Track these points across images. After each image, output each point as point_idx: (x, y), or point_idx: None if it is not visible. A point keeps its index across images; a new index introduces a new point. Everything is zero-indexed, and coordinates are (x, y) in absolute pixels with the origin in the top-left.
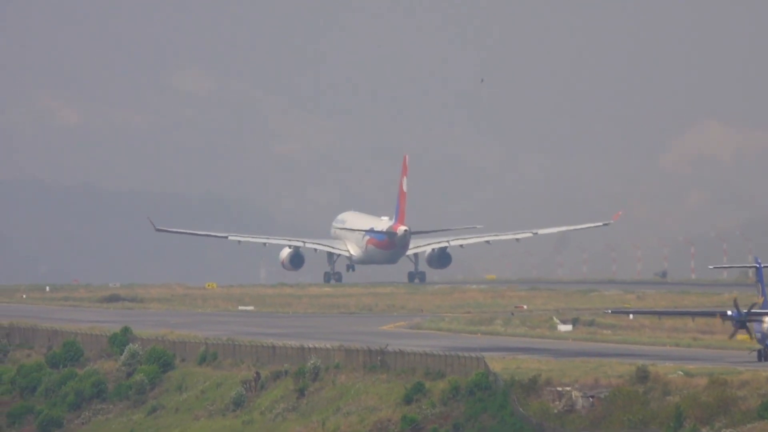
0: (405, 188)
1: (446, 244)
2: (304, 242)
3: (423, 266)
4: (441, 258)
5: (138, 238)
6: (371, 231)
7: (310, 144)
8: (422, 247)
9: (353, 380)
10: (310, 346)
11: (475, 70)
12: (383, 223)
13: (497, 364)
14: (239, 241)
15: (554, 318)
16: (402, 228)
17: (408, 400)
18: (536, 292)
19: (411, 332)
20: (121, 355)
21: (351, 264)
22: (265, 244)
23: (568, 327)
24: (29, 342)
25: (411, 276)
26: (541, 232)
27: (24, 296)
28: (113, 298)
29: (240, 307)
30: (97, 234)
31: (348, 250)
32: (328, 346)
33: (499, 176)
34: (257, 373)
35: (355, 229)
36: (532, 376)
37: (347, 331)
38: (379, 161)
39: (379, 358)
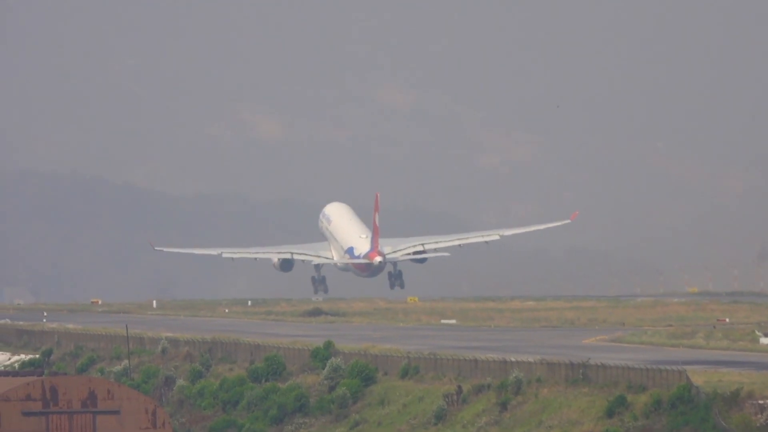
0: (377, 223)
1: (421, 248)
2: (292, 254)
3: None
4: (416, 254)
5: None
6: (351, 251)
7: (510, 157)
8: (400, 251)
9: (555, 394)
10: (513, 359)
11: (675, 82)
12: (362, 243)
13: (699, 378)
14: (233, 258)
15: (756, 331)
16: (377, 259)
17: (610, 413)
18: (738, 305)
19: (613, 345)
20: (324, 369)
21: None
22: (256, 258)
23: None
24: (231, 356)
25: (390, 277)
26: (506, 233)
27: (226, 311)
28: (315, 312)
29: (442, 321)
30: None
31: (332, 257)
32: (531, 359)
33: (702, 191)
34: (459, 387)
35: (338, 261)
36: (734, 389)
37: (549, 344)
38: (578, 174)
39: (581, 371)
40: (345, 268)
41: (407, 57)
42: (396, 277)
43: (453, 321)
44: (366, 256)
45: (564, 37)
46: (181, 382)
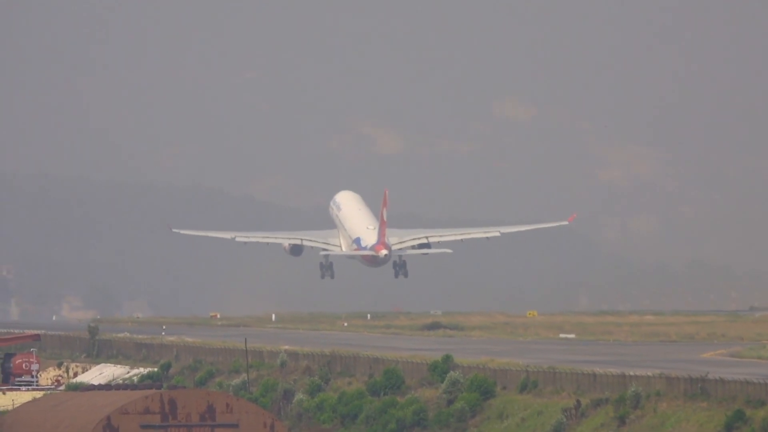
0: (385, 218)
1: (425, 240)
2: (302, 240)
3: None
4: (421, 247)
5: (457, 266)
6: (358, 241)
7: (630, 171)
8: (406, 242)
9: (674, 408)
10: (631, 373)
11: None
12: (369, 234)
13: None
14: (245, 242)
15: None
16: (383, 251)
17: (728, 427)
18: None
19: (732, 360)
20: (442, 382)
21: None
22: (268, 243)
23: None
24: (350, 370)
25: (395, 266)
26: (507, 230)
27: (345, 324)
28: (434, 326)
29: (561, 335)
30: (418, 262)
31: (340, 245)
32: (649, 373)
33: None
34: (578, 401)
35: (345, 251)
36: None
37: (668, 358)
38: (697, 187)
39: (699, 385)
40: (351, 256)
41: (527, 70)
42: (400, 267)
43: (572, 335)
44: (372, 248)
45: (685, 50)
46: (299, 395)
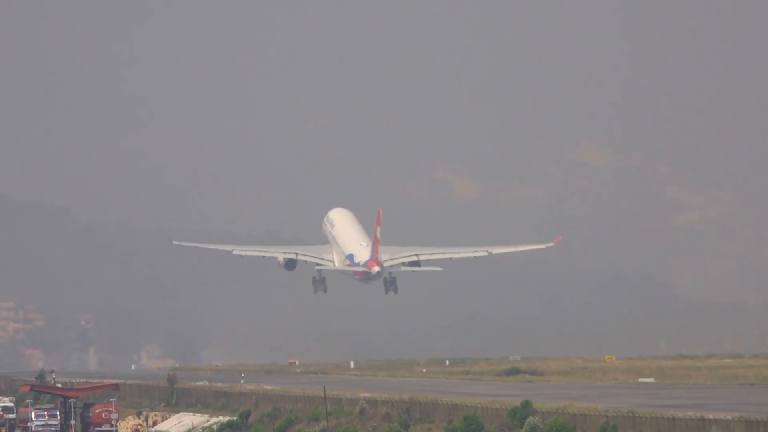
0: (378, 236)
1: (416, 258)
2: (296, 254)
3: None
4: (411, 265)
5: (536, 310)
6: (351, 258)
7: (707, 214)
8: (396, 259)
9: None
10: (711, 417)
11: None
12: (362, 251)
13: None
14: (242, 255)
15: None
16: (375, 269)
17: None
18: None
19: None
20: (522, 428)
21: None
22: (263, 257)
23: None
24: (429, 416)
25: (385, 283)
26: (495, 251)
27: (424, 370)
28: (513, 372)
29: (640, 380)
30: (497, 307)
31: (333, 261)
32: (729, 417)
33: None
34: None
35: (338, 266)
36: None
37: (748, 401)
38: None
39: None
40: (345, 271)
41: (603, 114)
42: (390, 283)
43: (651, 379)
44: (365, 264)
45: (763, 93)
46: None
